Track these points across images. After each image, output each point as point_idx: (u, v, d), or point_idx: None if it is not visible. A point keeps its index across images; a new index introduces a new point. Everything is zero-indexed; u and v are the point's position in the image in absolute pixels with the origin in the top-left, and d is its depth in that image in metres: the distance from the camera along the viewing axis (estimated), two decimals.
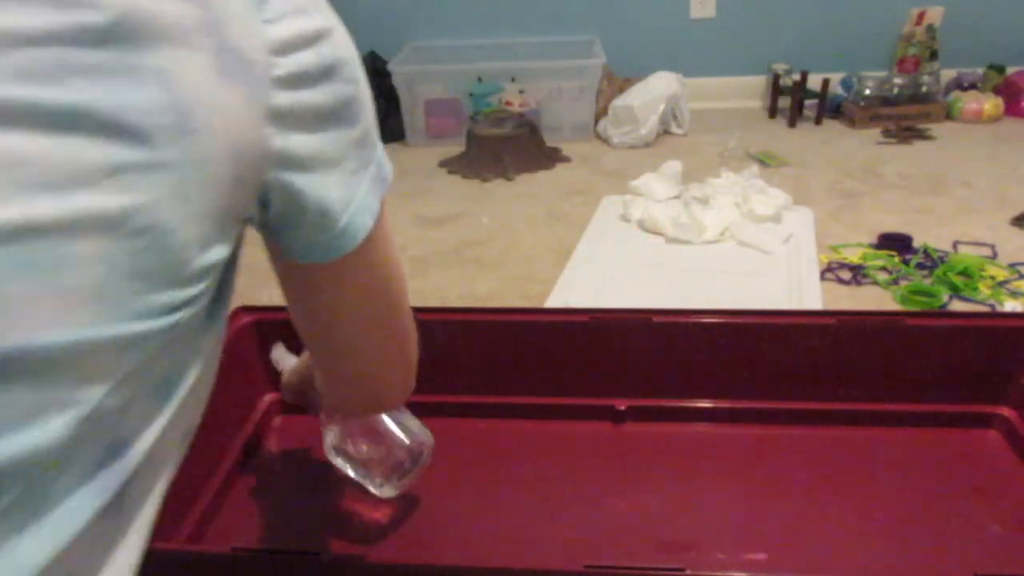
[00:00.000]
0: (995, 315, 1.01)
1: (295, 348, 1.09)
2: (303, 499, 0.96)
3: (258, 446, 1.05)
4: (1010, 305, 1.33)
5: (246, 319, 1.08)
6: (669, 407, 1.05)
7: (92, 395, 0.33)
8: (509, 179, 2.06)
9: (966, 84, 2.43)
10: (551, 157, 2.18)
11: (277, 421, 1.10)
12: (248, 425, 1.05)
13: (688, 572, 0.68)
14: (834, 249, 1.57)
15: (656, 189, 1.80)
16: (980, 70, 2.46)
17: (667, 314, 1.03)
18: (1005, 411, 1.01)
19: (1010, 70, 2.42)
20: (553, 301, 1.40)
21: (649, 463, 0.99)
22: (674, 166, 1.85)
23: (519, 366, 1.06)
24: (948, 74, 2.46)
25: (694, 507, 0.92)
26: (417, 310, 0.61)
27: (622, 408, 1.05)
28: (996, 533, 0.87)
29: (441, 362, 1.03)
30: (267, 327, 1.07)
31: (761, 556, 0.85)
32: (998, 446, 1.00)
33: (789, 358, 1.03)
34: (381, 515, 0.92)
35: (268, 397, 1.10)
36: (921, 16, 2.41)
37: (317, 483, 0.98)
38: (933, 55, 2.39)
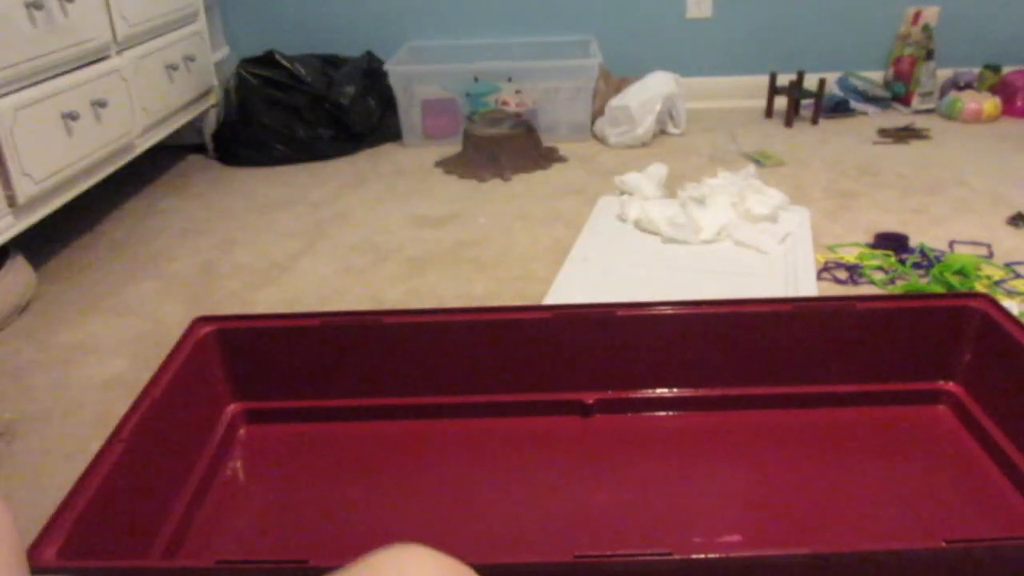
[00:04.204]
0: (938, 296, 1.06)
1: (262, 356, 1.06)
2: (275, 508, 0.95)
3: (225, 457, 1.03)
4: (1006, 304, 1.33)
5: (206, 329, 1.04)
6: (634, 398, 1.07)
7: None
8: (506, 179, 2.05)
9: (962, 84, 2.43)
10: (548, 157, 2.18)
11: (242, 432, 1.08)
12: (213, 437, 1.03)
13: (675, 556, 0.68)
14: (830, 249, 1.57)
15: (644, 185, 1.83)
16: (976, 70, 2.47)
17: (630, 307, 1.05)
18: (952, 387, 1.06)
19: (1006, 69, 2.43)
20: (550, 301, 1.40)
21: (619, 454, 1.01)
22: (659, 169, 1.87)
23: (481, 365, 1.06)
24: (944, 73, 2.47)
25: (666, 494, 0.94)
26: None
27: (590, 402, 1.07)
28: (954, 502, 0.91)
29: (405, 364, 1.06)
30: (228, 336, 1.05)
31: (735, 537, 0.87)
32: (947, 420, 1.04)
33: (750, 345, 1.06)
34: (357, 519, 0.92)
35: (232, 407, 1.08)
36: (917, 16, 2.41)
37: (287, 491, 0.97)
38: (929, 55, 2.39)
